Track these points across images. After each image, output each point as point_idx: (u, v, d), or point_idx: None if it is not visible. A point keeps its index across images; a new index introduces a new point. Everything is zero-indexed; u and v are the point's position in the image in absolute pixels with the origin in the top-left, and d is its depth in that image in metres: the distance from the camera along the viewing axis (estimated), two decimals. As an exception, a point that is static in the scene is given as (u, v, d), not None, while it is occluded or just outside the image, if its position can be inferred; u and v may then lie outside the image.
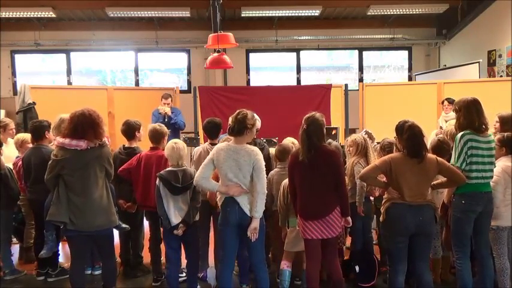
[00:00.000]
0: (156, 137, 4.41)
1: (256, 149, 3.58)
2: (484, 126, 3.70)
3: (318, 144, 3.55)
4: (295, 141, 4.84)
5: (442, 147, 4.04)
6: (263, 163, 3.55)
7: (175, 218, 3.87)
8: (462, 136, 3.66)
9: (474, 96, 3.81)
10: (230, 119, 3.68)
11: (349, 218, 3.70)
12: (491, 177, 3.75)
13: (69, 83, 10.84)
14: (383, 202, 3.75)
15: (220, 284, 3.71)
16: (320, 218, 3.56)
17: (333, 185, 3.57)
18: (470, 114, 3.70)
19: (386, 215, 3.63)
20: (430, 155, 3.67)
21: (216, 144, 4.35)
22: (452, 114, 6.03)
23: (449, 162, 3.70)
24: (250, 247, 3.66)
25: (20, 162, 4.86)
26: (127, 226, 4.15)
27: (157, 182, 3.89)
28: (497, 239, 3.84)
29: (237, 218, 3.53)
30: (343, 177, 3.72)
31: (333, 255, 3.74)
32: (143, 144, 4.75)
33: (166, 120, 6.71)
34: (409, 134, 3.52)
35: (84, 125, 3.57)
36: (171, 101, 7.09)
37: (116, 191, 4.47)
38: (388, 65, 11.79)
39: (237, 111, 3.61)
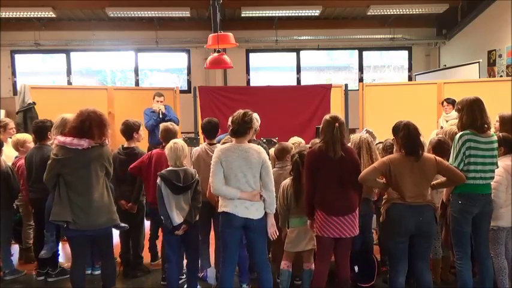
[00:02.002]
0: (169, 136, 4.38)
1: (262, 148, 3.65)
2: (486, 126, 3.69)
3: (344, 143, 3.66)
4: (302, 141, 4.85)
5: (442, 147, 4.04)
6: (269, 161, 3.62)
7: (177, 217, 3.86)
8: (461, 136, 3.66)
9: (476, 95, 3.81)
10: (231, 119, 3.67)
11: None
12: (492, 178, 3.73)
13: (69, 83, 10.85)
14: (383, 203, 3.75)
15: (222, 284, 3.71)
16: (345, 214, 3.60)
17: (355, 180, 3.62)
18: (472, 113, 3.69)
19: (387, 215, 3.64)
20: (429, 155, 3.68)
21: (214, 144, 4.37)
22: (453, 114, 6.06)
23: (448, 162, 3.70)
24: (253, 248, 3.65)
25: (20, 163, 4.87)
26: (126, 225, 4.16)
27: (158, 181, 3.89)
28: (495, 239, 3.84)
29: (243, 220, 3.53)
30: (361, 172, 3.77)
31: (345, 255, 3.76)
32: (142, 145, 4.75)
33: (161, 117, 6.72)
34: (404, 132, 3.54)
35: (93, 122, 3.59)
36: (164, 99, 7.12)
37: (117, 192, 4.47)
38: (388, 65, 11.79)
39: (243, 112, 3.61)
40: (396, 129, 3.64)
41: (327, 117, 3.70)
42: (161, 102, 7.01)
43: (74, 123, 3.63)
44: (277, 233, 3.67)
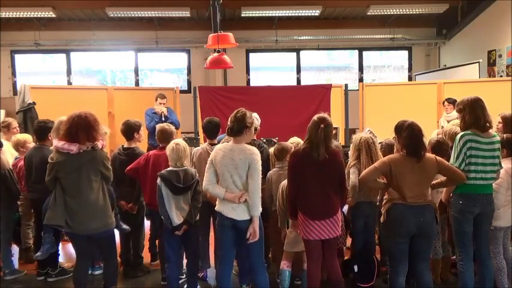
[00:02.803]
0: (165, 137, 4.39)
1: (253, 148, 3.54)
2: (488, 125, 3.69)
3: (328, 145, 3.60)
4: (301, 141, 4.83)
5: (441, 148, 4.04)
6: (259, 163, 3.49)
7: (177, 218, 3.85)
8: (462, 136, 3.66)
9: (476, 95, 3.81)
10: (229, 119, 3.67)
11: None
12: (493, 178, 3.72)
13: (69, 83, 10.85)
14: (383, 203, 3.74)
15: (219, 284, 3.71)
16: (327, 217, 3.57)
17: (338, 184, 3.60)
18: (475, 112, 3.68)
19: (387, 216, 3.62)
20: (429, 155, 3.67)
21: (215, 144, 4.37)
22: (454, 114, 6.05)
23: (448, 162, 3.70)
24: (248, 250, 3.63)
25: (20, 163, 4.86)
26: (127, 227, 4.15)
27: (158, 181, 3.88)
28: (493, 239, 3.84)
29: (231, 220, 3.51)
30: (345, 175, 3.74)
31: (333, 255, 3.74)
32: (142, 145, 4.74)
33: (163, 120, 6.72)
34: (408, 133, 3.52)
35: (78, 127, 3.57)
36: (166, 101, 7.12)
37: (117, 192, 4.47)
38: (388, 65, 11.80)
39: (236, 110, 3.59)
40: (399, 129, 3.61)
41: (314, 117, 3.64)
42: (164, 104, 7.01)
43: (62, 130, 3.64)
44: (256, 238, 3.50)
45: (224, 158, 3.49)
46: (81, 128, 3.57)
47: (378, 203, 4.27)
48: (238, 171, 3.46)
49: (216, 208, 3.63)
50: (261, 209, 3.51)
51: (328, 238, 3.61)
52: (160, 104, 6.99)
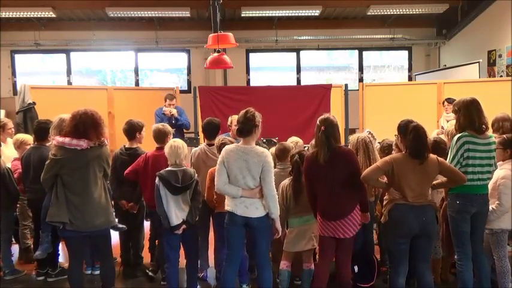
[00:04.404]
0: (160, 137, 4.40)
1: (265, 150, 3.61)
2: (484, 127, 3.69)
3: (335, 146, 3.59)
4: (300, 141, 4.85)
5: (438, 148, 4.02)
6: (272, 164, 3.58)
7: (175, 218, 3.85)
8: (459, 138, 3.67)
9: (474, 96, 3.80)
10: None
11: (368, 214, 3.76)
12: (489, 178, 3.74)
13: (69, 83, 10.85)
14: (384, 203, 3.74)
15: (223, 283, 3.71)
16: (341, 218, 3.60)
17: (352, 183, 3.60)
18: (470, 114, 3.69)
19: (389, 216, 3.61)
20: (431, 155, 3.66)
21: (213, 145, 4.37)
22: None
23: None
24: (255, 246, 3.67)
25: (14, 163, 4.87)
26: (123, 226, 4.15)
27: (156, 181, 3.88)
28: (498, 241, 3.83)
29: (243, 218, 3.55)
30: (360, 174, 3.72)
31: (347, 255, 3.76)
32: (145, 145, 4.73)
33: (173, 122, 6.68)
34: (413, 135, 3.50)
35: (86, 124, 3.58)
36: (175, 101, 7.10)
37: (118, 192, 4.46)
38: (388, 65, 11.79)
39: (245, 110, 3.60)
40: (404, 129, 3.58)
41: (318, 120, 3.67)
42: (173, 105, 6.98)
43: (68, 127, 3.62)
44: (280, 235, 3.72)
45: (237, 160, 3.52)
46: (90, 124, 3.58)
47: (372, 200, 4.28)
48: (252, 173, 3.51)
49: (226, 208, 3.62)
50: (278, 209, 3.58)
51: (343, 238, 3.63)
52: (170, 105, 6.95)
